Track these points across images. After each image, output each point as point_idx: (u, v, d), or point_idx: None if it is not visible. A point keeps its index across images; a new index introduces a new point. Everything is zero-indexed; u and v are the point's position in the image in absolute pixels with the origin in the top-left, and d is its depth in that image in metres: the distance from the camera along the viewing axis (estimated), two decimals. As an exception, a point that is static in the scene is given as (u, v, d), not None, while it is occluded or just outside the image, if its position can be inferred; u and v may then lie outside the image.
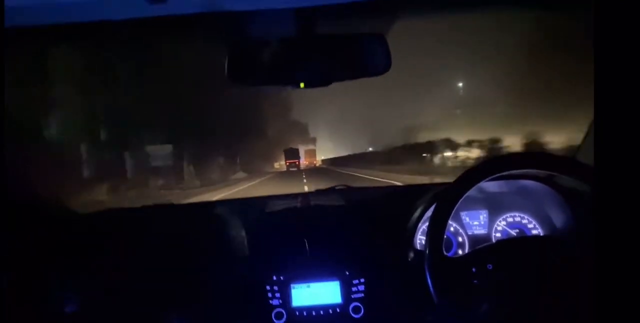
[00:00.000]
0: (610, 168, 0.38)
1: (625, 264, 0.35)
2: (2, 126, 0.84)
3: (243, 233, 1.03)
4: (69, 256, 0.95)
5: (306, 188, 7.85)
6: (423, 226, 0.95)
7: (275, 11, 0.82)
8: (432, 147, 14.84)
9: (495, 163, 0.78)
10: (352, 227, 1.04)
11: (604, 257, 0.36)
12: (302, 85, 0.82)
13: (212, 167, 17.27)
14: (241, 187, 12.27)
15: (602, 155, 0.39)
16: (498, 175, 0.78)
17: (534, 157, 0.79)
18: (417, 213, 0.95)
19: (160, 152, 11.25)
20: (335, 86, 0.86)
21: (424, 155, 15.10)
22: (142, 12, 0.76)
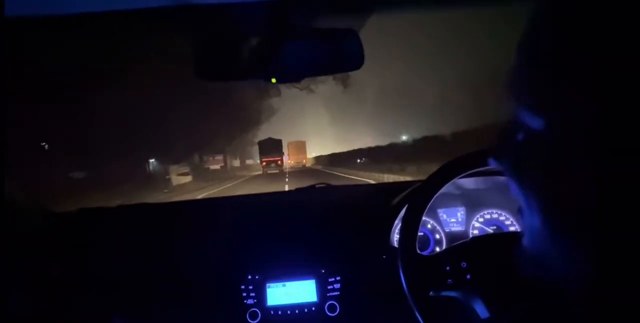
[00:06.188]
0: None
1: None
2: (2, 126, 0.83)
3: (218, 232, 1.02)
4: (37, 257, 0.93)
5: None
6: (399, 224, 0.95)
7: (245, 5, 0.80)
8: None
9: (467, 160, 0.77)
10: (329, 225, 1.03)
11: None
12: (273, 80, 0.81)
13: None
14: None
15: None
16: (471, 172, 0.77)
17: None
18: (392, 211, 0.94)
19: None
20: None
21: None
22: (105, 6, 0.74)
